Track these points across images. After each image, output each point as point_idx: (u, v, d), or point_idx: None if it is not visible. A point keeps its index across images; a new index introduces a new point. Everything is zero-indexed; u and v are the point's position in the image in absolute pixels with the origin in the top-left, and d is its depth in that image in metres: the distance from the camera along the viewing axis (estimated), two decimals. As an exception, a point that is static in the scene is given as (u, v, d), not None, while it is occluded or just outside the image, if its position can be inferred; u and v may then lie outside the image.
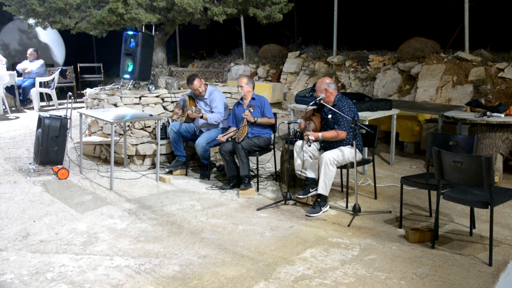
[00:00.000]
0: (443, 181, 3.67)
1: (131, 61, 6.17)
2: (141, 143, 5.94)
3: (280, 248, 3.67)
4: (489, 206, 3.39)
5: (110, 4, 5.49)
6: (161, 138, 5.65)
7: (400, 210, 4.18)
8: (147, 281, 3.15)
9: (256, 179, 5.25)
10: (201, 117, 5.43)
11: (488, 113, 5.35)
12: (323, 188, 4.43)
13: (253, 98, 5.32)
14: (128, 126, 5.97)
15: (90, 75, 12.89)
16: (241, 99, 5.41)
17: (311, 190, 4.64)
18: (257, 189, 5.13)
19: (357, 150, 4.48)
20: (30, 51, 10.07)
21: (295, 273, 3.27)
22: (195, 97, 5.72)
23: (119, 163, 5.97)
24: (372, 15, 10.28)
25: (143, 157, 6.01)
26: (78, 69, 12.30)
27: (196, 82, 5.54)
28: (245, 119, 5.11)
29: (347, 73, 9.33)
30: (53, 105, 10.14)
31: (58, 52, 12.59)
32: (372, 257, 3.53)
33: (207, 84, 5.74)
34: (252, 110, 5.14)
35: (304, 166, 4.63)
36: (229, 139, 5.23)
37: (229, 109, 5.87)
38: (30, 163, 5.62)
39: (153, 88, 6.23)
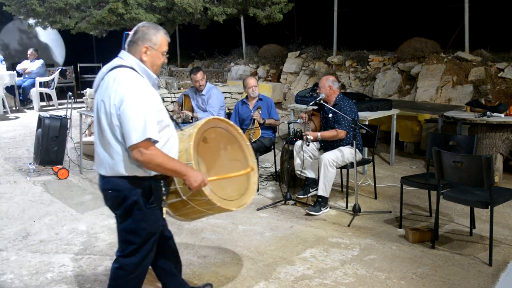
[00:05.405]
0: (443, 181, 3.67)
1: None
2: (141, 143, 5.92)
3: (280, 248, 3.67)
4: (489, 206, 3.39)
5: (110, 4, 5.50)
6: (161, 138, 5.63)
7: (400, 210, 4.17)
8: (147, 281, 3.14)
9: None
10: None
11: (488, 113, 5.34)
12: (323, 190, 4.43)
13: (260, 99, 5.33)
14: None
15: (90, 75, 12.88)
16: (246, 98, 5.41)
17: (311, 190, 4.64)
18: (257, 189, 5.12)
19: (357, 150, 4.48)
20: (30, 51, 10.06)
21: (295, 273, 3.27)
22: (193, 94, 5.70)
23: (119, 163, 5.96)
24: (372, 15, 10.28)
25: (143, 157, 5.99)
26: (78, 69, 12.30)
27: (200, 75, 5.55)
28: (256, 120, 5.12)
29: (347, 73, 9.33)
30: (53, 105, 10.13)
31: (58, 52, 12.60)
32: (372, 257, 3.53)
33: (206, 81, 5.74)
34: (260, 112, 5.15)
35: (304, 166, 4.62)
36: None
37: (228, 109, 5.86)
38: (30, 163, 5.62)
39: (153, 88, 6.23)
